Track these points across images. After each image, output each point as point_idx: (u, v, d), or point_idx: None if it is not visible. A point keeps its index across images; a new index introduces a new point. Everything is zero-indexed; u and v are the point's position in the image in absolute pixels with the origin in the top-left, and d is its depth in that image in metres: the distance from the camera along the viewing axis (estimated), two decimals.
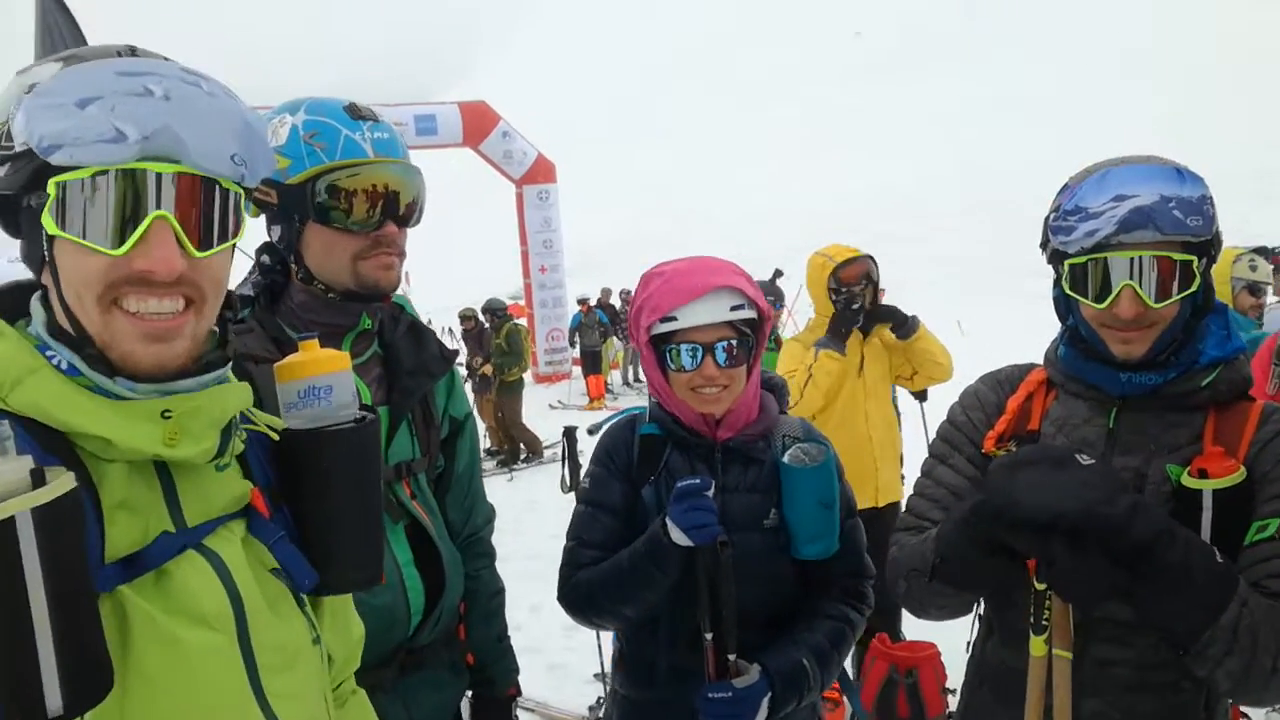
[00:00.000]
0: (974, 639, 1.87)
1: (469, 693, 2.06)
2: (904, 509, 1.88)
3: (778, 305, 10.80)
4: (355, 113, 1.71)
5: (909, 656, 3.96)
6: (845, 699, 3.51)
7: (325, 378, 1.28)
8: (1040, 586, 1.54)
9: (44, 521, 0.87)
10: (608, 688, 4.26)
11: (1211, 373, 1.60)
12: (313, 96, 1.74)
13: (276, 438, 1.21)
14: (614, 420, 2.24)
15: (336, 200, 1.67)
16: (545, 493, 9.63)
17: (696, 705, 1.90)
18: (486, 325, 12.89)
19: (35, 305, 1.07)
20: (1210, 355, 1.60)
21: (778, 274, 12.82)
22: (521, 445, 12.03)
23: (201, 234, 1.04)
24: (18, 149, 0.98)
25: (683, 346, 1.97)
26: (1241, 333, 2.29)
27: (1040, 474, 1.45)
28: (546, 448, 11.97)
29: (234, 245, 1.10)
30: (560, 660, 5.14)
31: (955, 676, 4.04)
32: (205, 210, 1.04)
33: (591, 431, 2.28)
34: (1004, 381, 1.84)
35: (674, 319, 1.96)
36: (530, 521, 8.42)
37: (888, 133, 44.33)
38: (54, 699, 0.88)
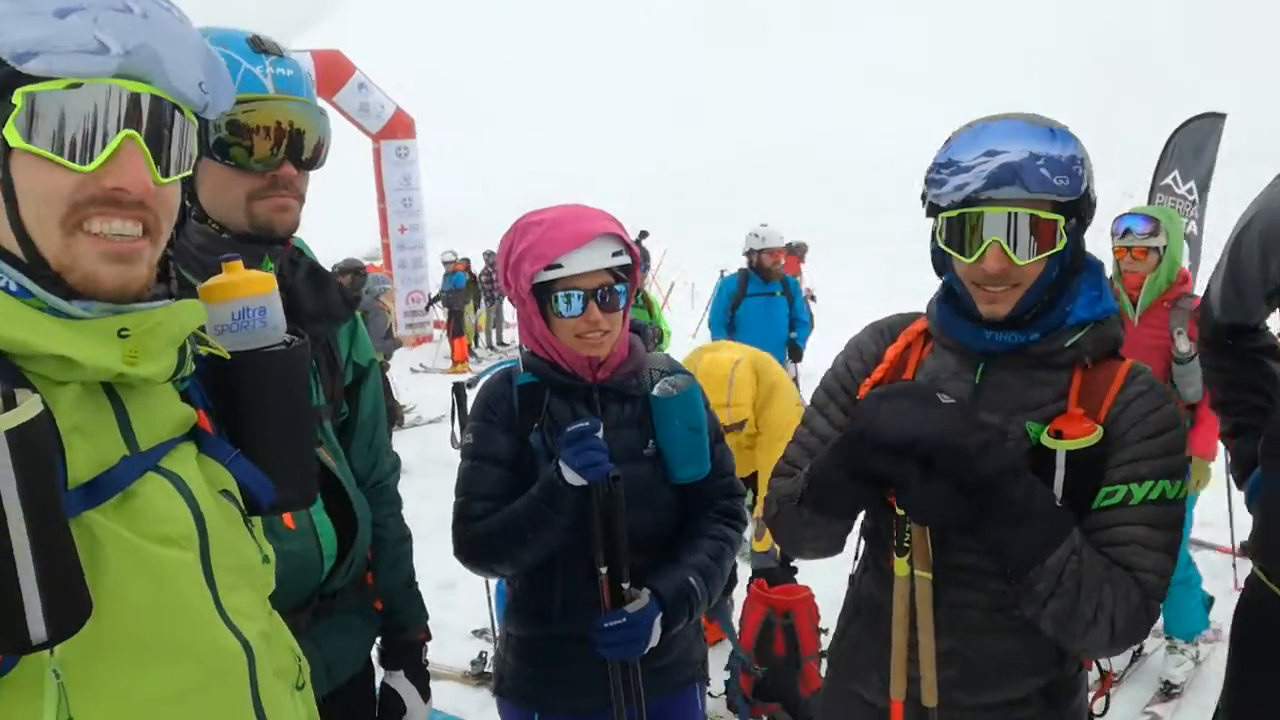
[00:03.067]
0: (854, 571, 1.97)
1: (379, 638, 2.06)
2: (781, 456, 1.93)
3: (644, 266, 11.08)
4: (258, 46, 1.64)
5: (785, 600, 4.14)
6: (724, 632, 3.67)
7: (259, 299, 1.27)
8: (901, 511, 1.63)
9: (18, 444, 0.84)
10: (498, 636, 4.32)
11: (1077, 333, 1.64)
12: (215, 26, 1.66)
13: (229, 357, 1.20)
14: (488, 375, 2.28)
15: (239, 136, 1.61)
16: (411, 457, 9.48)
17: (593, 636, 1.99)
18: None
19: None
20: (1078, 316, 1.64)
21: (643, 235, 13.03)
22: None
23: (164, 160, 1.03)
24: None
25: (568, 293, 2.03)
26: None
27: (904, 405, 1.54)
28: (406, 412, 11.74)
29: (187, 176, 1.08)
30: (439, 619, 5.07)
31: (829, 617, 4.29)
32: (169, 136, 1.03)
33: (470, 386, 2.31)
34: (885, 330, 1.88)
35: (559, 266, 2.01)
36: (400, 486, 8.29)
37: (738, 104, 45.02)
38: (37, 627, 0.87)
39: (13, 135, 0.94)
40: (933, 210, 1.66)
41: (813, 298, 12.07)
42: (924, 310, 1.85)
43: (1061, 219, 1.55)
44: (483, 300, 18.76)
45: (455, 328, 16.81)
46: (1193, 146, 7.82)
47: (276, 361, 1.25)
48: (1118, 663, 4.37)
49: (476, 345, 18.42)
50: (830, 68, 44.76)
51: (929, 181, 1.64)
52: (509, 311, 19.43)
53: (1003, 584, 1.65)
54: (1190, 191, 7.76)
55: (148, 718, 1.02)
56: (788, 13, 53.73)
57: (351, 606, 1.91)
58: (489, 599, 4.19)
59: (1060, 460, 1.57)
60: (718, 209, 31.00)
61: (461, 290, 17.15)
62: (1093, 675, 1.87)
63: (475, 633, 4.97)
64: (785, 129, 38.53)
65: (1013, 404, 1.65)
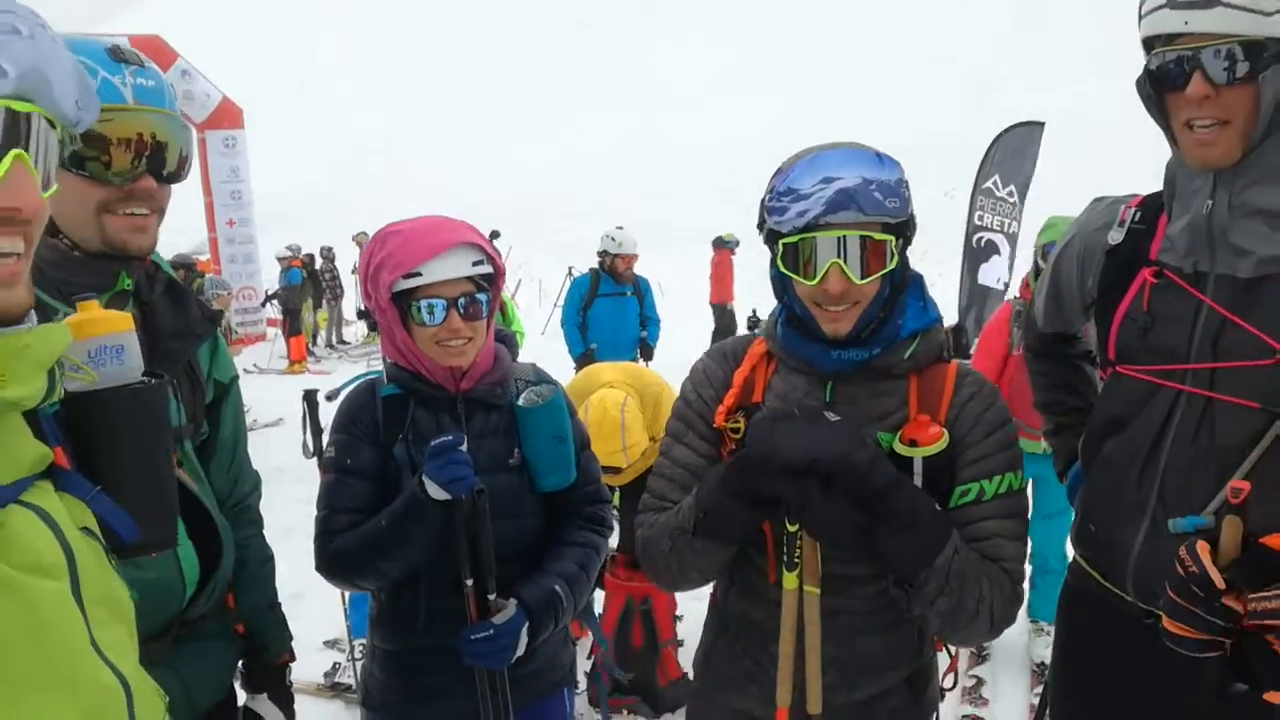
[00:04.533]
0: (715, 591, 2.03)
1: (241, 661, 2.00)
2: (646, 491, 1.96)
3: None
4: (118, 55, 1.57)
5: (643, 586, 4.21)
6: (588, 629, 3.71)
7: (116, 337, 1.24)
8: (793, 528, 1.71)
9: None
10: (350, 651, 4.23)
11: (912, 344, 1.76)
12: (71, 34, 1.58)
13: (94, 377, 1.18)
14: (351, 385, 2.25)
15: (96, 148, 1.53)
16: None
17: (459, 647, 2.00)
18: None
19: None
20: (910, 328, 1.76)
21: (495, 235, 12.94)
22: None
23: (42, 176, 1.02)
24: None
25: (428, 302, 2.02)
26: None
27: (797, 426, 1.62)
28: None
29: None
30: None
31: (682, 605, 4.42)
32: (46, 152, 1.02)
33: (330, 398, 2.26)
34: (729, 355, 1.94)
35: (418, 274, 2.00)
36: None
37: (583, 101, 45.17)
38: None
39: None
40: (772, 237, 1.73)
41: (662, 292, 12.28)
42: (755, 333, 1.94)
43: (892, 239, 1.67)
44: (325, 298, 18.11)
45: (291, 326, 16.15)
46: (1013, 152, 8.46)
47: (132, 400, 1.22)
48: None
49: (315, 344, 17.78)
50: (675, 68, 45.52)
51: (769, 210, 1.71)
52: (349, 310, 18.91)
53: (872, 587, 1.77)
54: (1011, 194, 8.39)
55: None
56: (631, 11, 54.19)
57: (213, 631, 1.86)
58: (344, 610, 4.08)
59: (918, 467, 1.69)
60: (562, 207, 31.05)
61: (297, 287, 16.50)
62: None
63: (326, 643, 4.84)
64: (630, 128, 38.99)
65: (862, 416, 1.74)
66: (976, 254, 8.34)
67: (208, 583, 1.75)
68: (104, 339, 1.21)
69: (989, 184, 8.42)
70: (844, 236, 1.63)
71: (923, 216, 1.81)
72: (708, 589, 2.05)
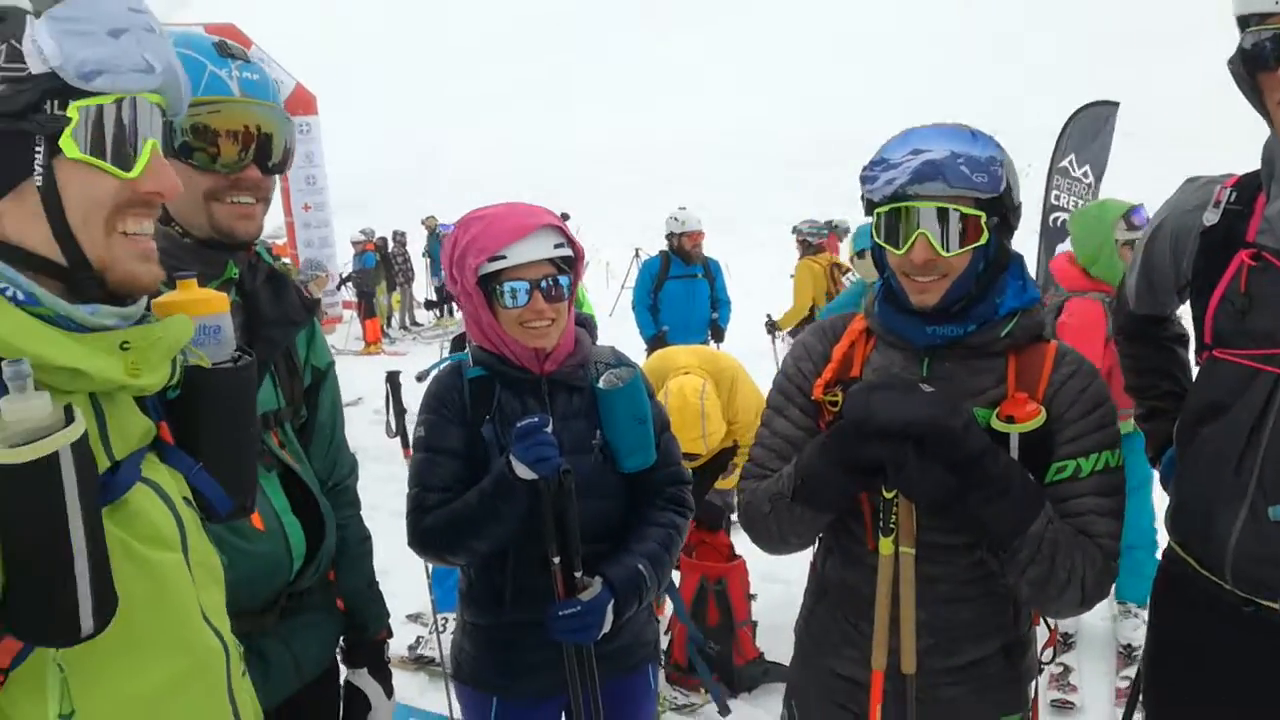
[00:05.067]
0: (815, 558, 2.09)
1: (342, 638, 2.08)
2: (748, 459, 2.04)
3: None
4: (224, 50, 1.64)
5: (718, 567, 4.25)
6: (669, 601, 3.75)
7: (214, 318, 1.31)
8: (889, 495, 1.76)
9: (78, 456, 0.92)
10: (434, 624, 4.34)
11: (1009, 322, 1.78)
12: (179, 30, 1.66)
13: (208, 361, 1.26)
14: (438, 368, 2.33)
15: (204, 140, 1.61)
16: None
17: (548, 623, 2.06)
18: None
19: None
20: (1008, 306, 1.78)
21: (564, 217, 13.03)
22: None
23: None
24: (34, 71, 0.99)
25: (511, 285, 2.08)
26: None
27: (892, 394, 1.67)
28: None
29: None
30: None
31: (756, 583, 4.43)
32: (161, 140, 1.12)
33: (420, 378, 2.33)
34: (828, 331, 2.00)
35: (503, 257, 2.06)
36: None
37: (637, 84, 45.17)
38: (87, 621, 0.95)
39: (71, 147, 1.01)
40: (869, 207, 1.78)
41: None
42: (858, 311, 1.98)
43: (983, 215, 1.68)
44: (398, 281, 18.42)
45: (366, 309, 16.49)
46: (1087, 132, 8.23)
47: (231, 378, 1.29)
48: (1063, 624, 4.55)
49: (389, 326, 18.13)
50: (737, 54, 45.23)
51: (863, 179, 1.76)
52: (419, 293, 19.21)
53: (969, 557, 1.81)
54: (1086, 175, 8.17)
55: (142, 710, 1.07)
56: (631, 11, 53.85)
57: (317, 604, 1.93)
58: (428, 584, 4.19)
59: (1014, 443, 1.71)
60: (631, 187, 31.10)
61: (371, 270, 16.83)
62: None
63: (409, 617, 4.98)
64: (698, 112, 38.94)
65: (958, 392, 1.76)
66: (1053, 234, 8.13)
67: (314, 557, 1.83)
68: (204, 319, 1.29)
69: (1064, 163, 8.23)
70: (936, 208, 1.66)
71: None
72: (789, 570, 2.08)
